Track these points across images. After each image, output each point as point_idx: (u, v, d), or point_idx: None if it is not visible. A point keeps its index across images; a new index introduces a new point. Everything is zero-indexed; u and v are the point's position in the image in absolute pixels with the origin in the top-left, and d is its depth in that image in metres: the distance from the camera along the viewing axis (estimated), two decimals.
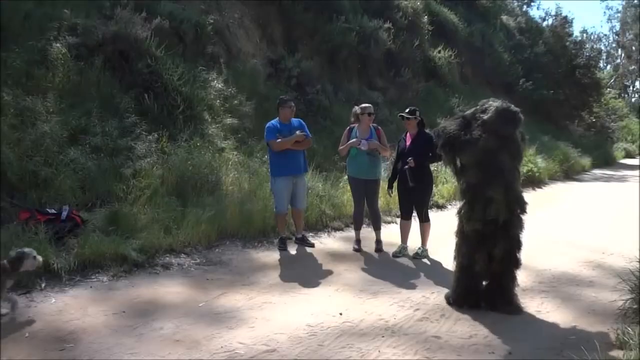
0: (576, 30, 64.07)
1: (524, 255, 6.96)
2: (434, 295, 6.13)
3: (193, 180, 8.35)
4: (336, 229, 9.07)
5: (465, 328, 5.22)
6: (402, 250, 7.85)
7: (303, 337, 4.91)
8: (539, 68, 27.05)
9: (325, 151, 11.47)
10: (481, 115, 5.54)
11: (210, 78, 10.94)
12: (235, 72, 11.95)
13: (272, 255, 7.51)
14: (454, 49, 20.77)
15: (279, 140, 7.59)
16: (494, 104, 5.58)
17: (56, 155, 7.38)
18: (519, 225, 5.59)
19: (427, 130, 7.66)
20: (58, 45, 8.77)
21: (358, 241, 8.11)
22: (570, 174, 20.32)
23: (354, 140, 7.80)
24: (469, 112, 5.80)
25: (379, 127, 8.06)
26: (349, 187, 8.48)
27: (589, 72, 29.88)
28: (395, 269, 7.20)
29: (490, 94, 23.84)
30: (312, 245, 8.10)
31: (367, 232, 8.39)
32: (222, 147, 9.65)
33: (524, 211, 5.58)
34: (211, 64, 11.49)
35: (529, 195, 14.42)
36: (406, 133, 7.78)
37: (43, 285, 5.67)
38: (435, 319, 5.43)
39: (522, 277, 6.65)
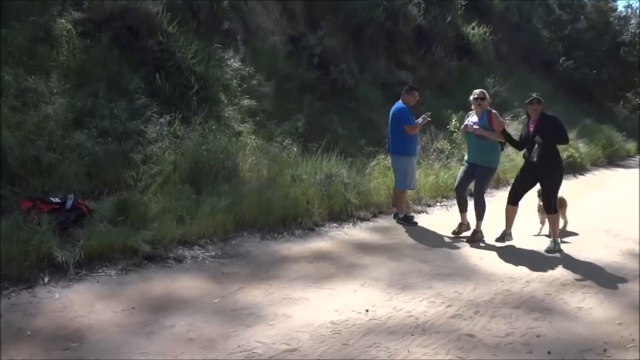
0: (620, 5, 63.28)
1: (564, 247, 6.93)
2: (468, 290, 6.07)
3: (208, 166, 8.33)
4: (362, 219, 9.00)
5: (501, 325, 5.20)
6: (506, 237, 7.98)
7: (326, 335, 4.88)
8: (581, 45, 27.09)
9: (351, 135, 11.40)
10: None
11: (226, 56, 10.92)
12: (254, 50, 11.93)
13: (293, 248, 7.47)
14: (489, 25, 20.74)
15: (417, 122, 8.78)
16: None
17: (60, 139, 7.36)
18: None
19: (550, 114, 7.86)
20: (62, 21, 8.77)
21: (461, 224, 8.42)
22: (614, 159, 20.42)
23: (465, 123, 8.32)
24: None
25: (492, 111, 8.19)
26: (376, 174, 8.52)
27: (635, 50, 29.69)
28: (426, 262, 7.11)
29: (527, 73, 23.71)
30: (415, 224, 8.90)
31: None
32: (239, 131, 9.65)
33: None
34: (227, 41, 11.46)
35: (570, 183, 14.45)
36: (530, 119, 7.89)
37: (46, 279, 5.64)
38: (469, 316, 5.40)
39: (561, 270, 6.78)
